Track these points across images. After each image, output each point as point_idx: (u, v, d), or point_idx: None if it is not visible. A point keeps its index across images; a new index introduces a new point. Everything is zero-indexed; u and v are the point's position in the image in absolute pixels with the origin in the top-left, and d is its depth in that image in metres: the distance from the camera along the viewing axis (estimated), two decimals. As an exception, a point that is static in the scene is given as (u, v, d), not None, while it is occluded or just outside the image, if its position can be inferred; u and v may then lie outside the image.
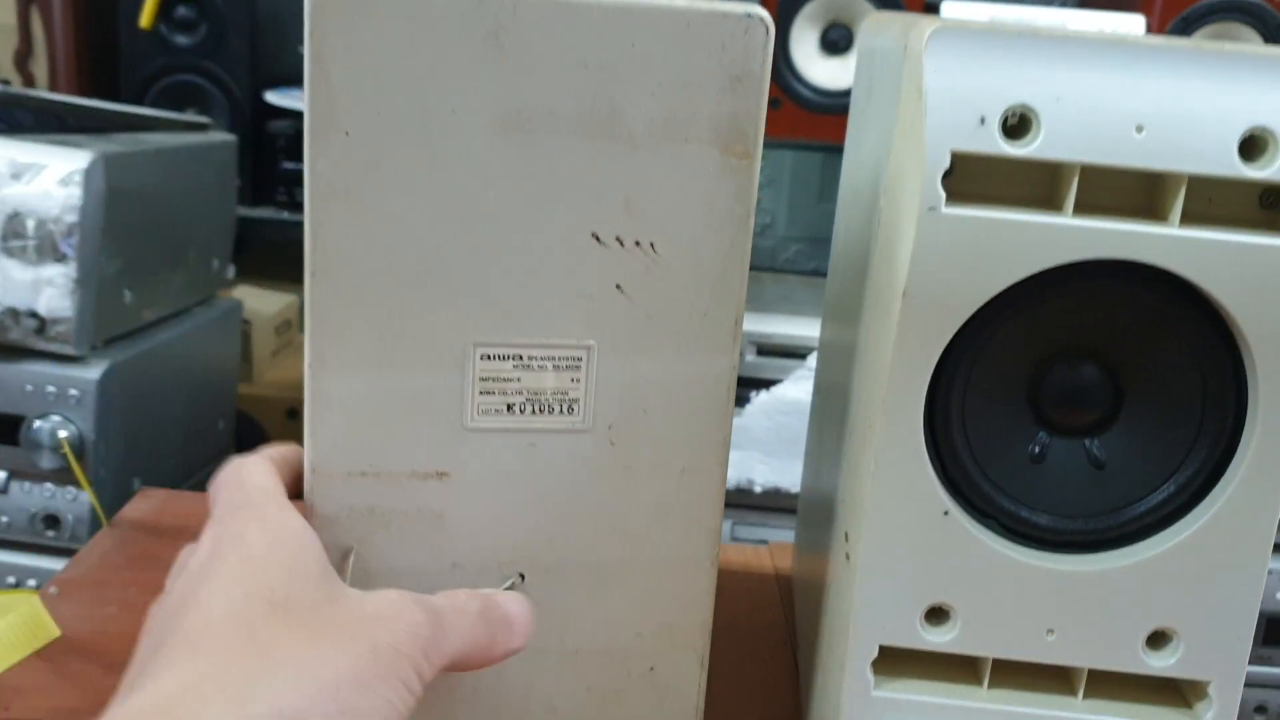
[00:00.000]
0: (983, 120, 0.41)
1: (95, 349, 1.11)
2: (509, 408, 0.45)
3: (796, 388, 1.25)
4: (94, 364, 1.10)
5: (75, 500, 1.10)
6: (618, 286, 0.44)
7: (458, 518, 0.45)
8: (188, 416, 1.29)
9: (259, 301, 1.64)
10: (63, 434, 1.07)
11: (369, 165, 0.41)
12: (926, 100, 0.42)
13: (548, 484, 0.46)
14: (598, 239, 0.43)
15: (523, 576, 0.46)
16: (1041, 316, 0.44)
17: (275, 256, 1.71)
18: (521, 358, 0.44)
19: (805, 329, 1.29)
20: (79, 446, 1.07)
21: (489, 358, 0.44)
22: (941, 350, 0.43)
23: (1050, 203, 0.43)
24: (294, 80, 1.70)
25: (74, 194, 1.04)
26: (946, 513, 0.45)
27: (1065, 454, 0.46)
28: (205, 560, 0.39)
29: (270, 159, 1.62)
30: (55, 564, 1.11)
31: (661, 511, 0.47)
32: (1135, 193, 0.43)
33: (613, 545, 0.47)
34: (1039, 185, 0.44)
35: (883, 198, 0.46)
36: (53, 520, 1.11)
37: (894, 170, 0.45)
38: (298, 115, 1.62)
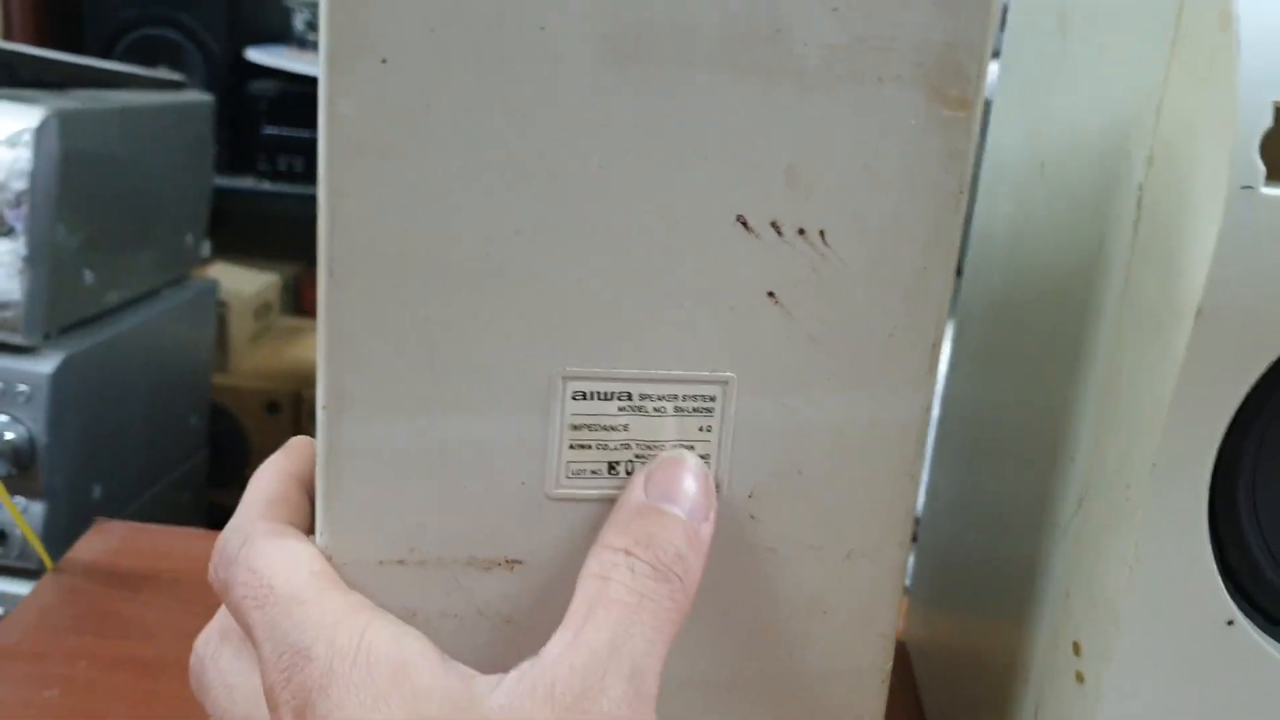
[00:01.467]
0: (1325, 59, 0.28)
1: (49, 338, 0.96)
2: (610, 468, 0.31)
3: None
4: (47, 355, 0.95)
5: (25, 511, 0.96)
6: (770, 294, 0.30)
7: (533, 623, 0.32)
8: (156, 412, 1.14)
9: (237, 281, 1.49)
10: (9, 436, 0.92)
11: (415, 109, 0.27)
12: (1238, 33, 0.28)
13: (659, 573, 0.32)
14: (745, 225, 0.29)
15: None
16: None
17: (255, 231, 1.56)
18: (631, 396, 0.30)
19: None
20: (29, 451, 0.93)
21: (584, 396, 0.30)
22: (1246, 393, 0.30)
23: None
24: (278, 36, 1.55)
25: (23, 156, 0.89)
26: (1231, 622, 0.31)
27: (1382, 533, 0.33)
28: None
29: (251, 123, 1.47)
30: (2, 585, 0.97)
31: (818, 610, 0.33)
32: None
33: (753, 657, 0.33)
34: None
35: (1126, 172, 0.33)
36: (-1, 534, 0.97)
37: (1162, 136, 0.31)
38: (282, 75, 1.47)
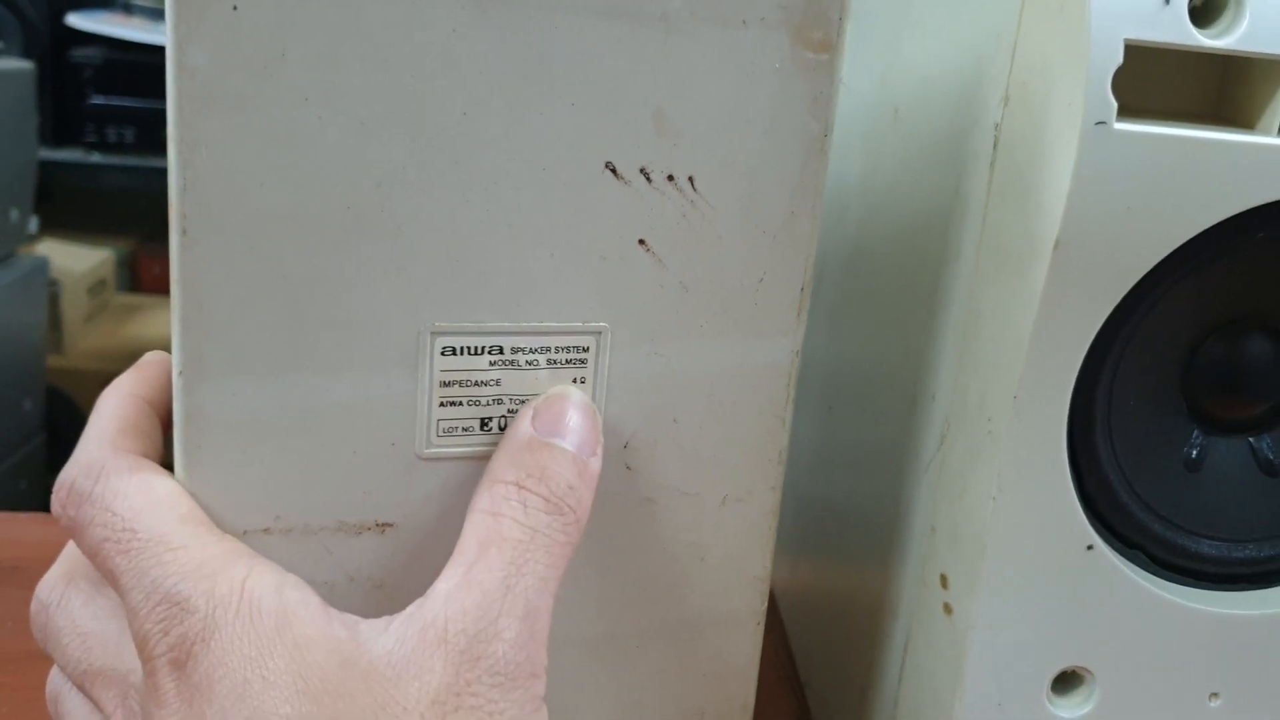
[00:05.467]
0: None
1: None
2: (483, 424, 0.30)
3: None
4: None
5: None
6: (641, 242, 0.30)
7: (406, 586, 0.31)
8: (-14, 397, 1.09)
9: (68, 259, 1.43)
10: None
11: (269, 57, 0.26)
12: (1090, -30, 0.29)
13: (536, 529, 0.31)
14: (614, 172, 0.29)
15: None
16: (1218, 274, 0.32)
17: (85, 205, 1.49)
18: (502, 350, 0.30)
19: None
20: None
21: (454, 351, 0.29)
22: (1102, 323, 0.30)
23: (1223, 120, 0.31)
24: (100, 1, 1.47)
25: None
26: (1091, 547, 0.33)
27: (1227, 458, 0.34)
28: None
29: (76, 92, 1.40)
30: None
31: (693, 558, 0.33)
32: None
33: (631, 608, 0.33)
34: (1205, 97, 0.32)
35: (982, 113, 0.33)
36: None
37: (1016, 76, 0.32)
38: (106, 41, 1.40)
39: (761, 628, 0.35)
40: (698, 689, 0.35)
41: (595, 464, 0.29)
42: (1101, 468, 0.33)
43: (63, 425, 1.28)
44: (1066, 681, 0.34)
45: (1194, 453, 0.34)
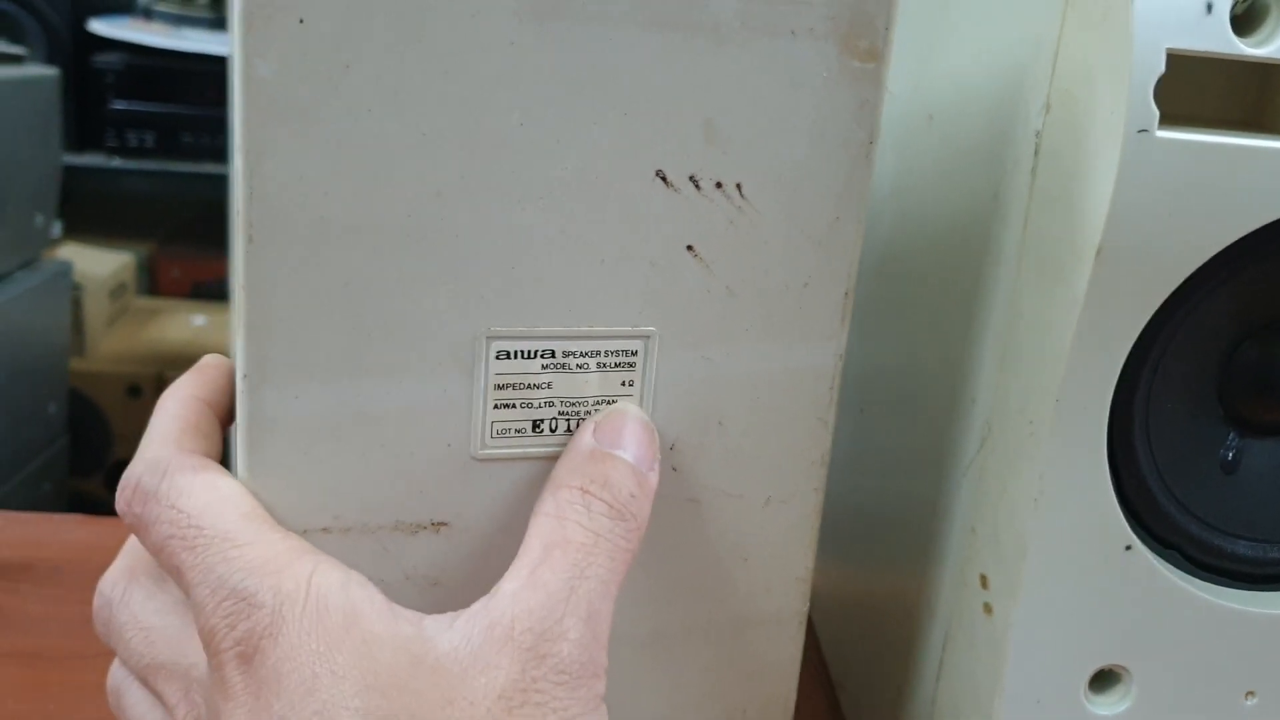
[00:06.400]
0: (1210, 7, 0.29)
1: (-107, 326, 0.91)
2: (535, 426, 0.31)
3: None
4: (-108, 344, 0.90)
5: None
6: (690, 248, 0.31)
7: (461, 584, 0.31)
8: (11, 401, 1.09)
9: (90, 262, 1.44)
10: None
11: (334, 69, 0.27)
12: (1132, -22, 0.29)
13: (585, 529, 0.32)
14: (664, 180, 0.30)
15: None
16: (1254, 279, 0.33)
17: (107, 210, 1.50)
18: (554, 354, 0.31)
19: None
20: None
21: (507, 355, 0.30)
22: (1142, 328, 0.31)
23: (1264, 128, 0.32)
24: (122, 7, 1.48)
25: None
26: (1129, 547, 0.33)
27: (1263, 460, 0.35)
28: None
29: (97, 98, 1.41)
30: None
31: (737, 558, 0.34)
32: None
33: (677, 608, 0.34)
34: (1245, 104, 0.33)
35: (1023, 120, 0.34)
36: None
37: (1059, 84, 0.32)
38: (129, 48, 1.41)
39: (804, 628, 0.35)
40: (740, 687, 0.35)
41: (653, 478, 0.30)
42: (1140, 469, 0.33)
43: (86, 428, 1.29)
44: (1104, 680, 0.35)
45: (1230, 455, 0.35)
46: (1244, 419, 0.35)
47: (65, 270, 1.22)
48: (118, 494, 0.30)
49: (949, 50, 0.41)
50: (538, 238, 0.29)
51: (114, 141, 1.44)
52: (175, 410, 0.32)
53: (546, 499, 0.29)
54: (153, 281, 1.72)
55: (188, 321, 1.58)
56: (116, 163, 1.45)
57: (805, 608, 0.35)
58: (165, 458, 0.30)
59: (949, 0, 0.41)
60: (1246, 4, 0.30)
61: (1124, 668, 0.34)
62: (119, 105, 1.42)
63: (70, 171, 1.33)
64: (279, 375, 0.29)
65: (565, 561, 0.27)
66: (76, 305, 1.35)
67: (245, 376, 0.28)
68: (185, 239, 1.71)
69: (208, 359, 0.33)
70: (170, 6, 1.49)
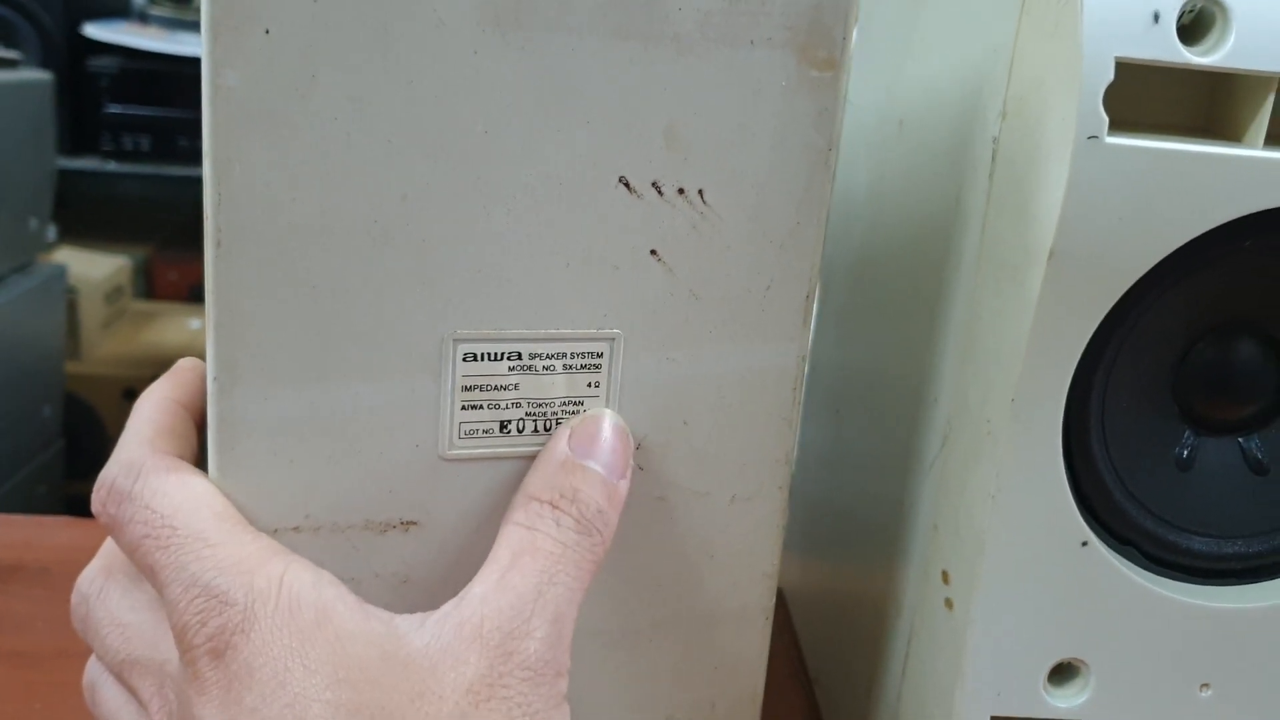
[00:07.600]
0: (1157, 17, 0.30)
1: (-112, 329, 0.92)
2: (502, 427, 0.32)
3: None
4: (-113, 347, 0.91)
5: None
6: (653, 253, 0.31)
7: (430, 582, 0.32)
8: (6, 404, 1.10)
9: (85, 266, 1.44)
10: None
11: (300, 78, 0.28)
12: (1082, -12, 0.30)
13: (553, 527, 0.33)
14: (627, 185, 0.31)
15: None
16: (1207, 281, 0.33)
17: (101, 213, 1.51)
18: (520, 356, 0.31)
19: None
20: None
21: (475, 358, 0.31)
22: (1095, 329, 0.32)
23: (1212, 134, 0.32)
24: (115, 11, 1.49)
25: None
26: (1085, 543, 0.34)
27: (1218, 457, 0.36)
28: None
29: (92, 101, 1.42)
30: None
31: (704, 554, 0.35)
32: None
33: (645, 604, 0.35)
34: (1195, 111, 0.34)
35: (981, 126, 0.35)
36: None
37: (1014, 91, 0.33)
38: (123, 51, 1.41)
39: (770, 623, 0.36)
40: (709, 681, 0.36)
41: (624, 486, 0.31)
42: (1096, 467, 0.34)
43: (81, 431, 1.30)
44: (1063, 672, 0.35)
45: (1185, 452, 0.35)
46: (1199, 417, 0.35)
47: (60, 274, 1.23)
48: (93, 495, 0.31)
49: (919, 57, 0.42)
50: (503, 242, 0.30)
51: (109, 145, 1.45)
52: (150, 413, 0.32)
53: (518, 509, 0.30)
54: (150, 285, 1.73)
55: (185, 325, 1.58)
56: (112, 166, 1.46)
57: (771, 603, 0.36)
58: (140, 459, 0.31)
59: (921, 8, 0.42)
60: (1193, 14, 0.31)
61: (1083, 661, 0.35)
62: (114, 109, 1.43)
63: (65, 175, 1.33)
64: (248, 378, 0.29)
65: (534, 568, 0.28)
66: (72, 309, 1.36)
67: (215, 379, 0.29)
68: (183, 242, 1.72)
69: (184, 362, 0.34)
70: (165, 10, 1.50)
